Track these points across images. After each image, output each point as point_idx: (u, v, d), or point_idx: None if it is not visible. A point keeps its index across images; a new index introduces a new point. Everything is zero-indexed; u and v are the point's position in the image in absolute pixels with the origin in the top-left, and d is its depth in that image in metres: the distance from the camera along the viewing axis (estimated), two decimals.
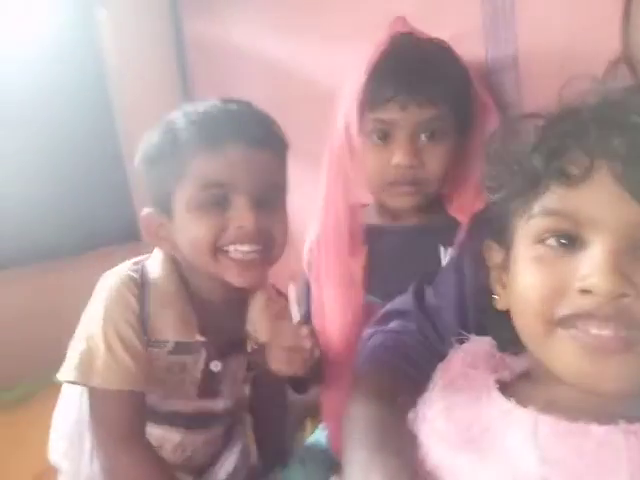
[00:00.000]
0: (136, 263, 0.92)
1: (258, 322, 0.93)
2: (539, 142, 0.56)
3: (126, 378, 0.83)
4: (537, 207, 0.55)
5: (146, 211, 0.87)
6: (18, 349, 1.62)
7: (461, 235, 0.91)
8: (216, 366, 0.92)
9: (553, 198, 0.54)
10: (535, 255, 0.55)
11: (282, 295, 0.95)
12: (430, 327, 0.77)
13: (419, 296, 0.81)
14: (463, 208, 0.95)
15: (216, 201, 0.80)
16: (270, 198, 0.83)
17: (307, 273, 1.05)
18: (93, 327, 0.84)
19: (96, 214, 1.89)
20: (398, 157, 0.90)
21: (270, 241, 0.83)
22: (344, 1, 1.34)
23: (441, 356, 0.70)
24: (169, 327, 0.87)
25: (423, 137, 0.91)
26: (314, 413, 1.16)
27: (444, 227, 0.94)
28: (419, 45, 0.94)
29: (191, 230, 0.82)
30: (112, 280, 0.87)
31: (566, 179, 0.52)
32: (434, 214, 0.99)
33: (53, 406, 1.01)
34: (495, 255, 0.63)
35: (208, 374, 0.92)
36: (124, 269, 0.89)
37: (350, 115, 0.92)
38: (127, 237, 1.81)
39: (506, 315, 0.60)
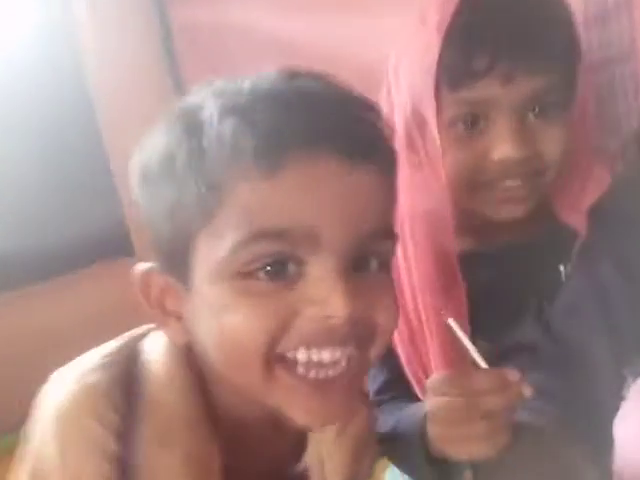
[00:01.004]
0: (119, 351, 0.50)
1: (327, 456, 0.56)
2: None
3: None
4: None
5: (142, 266, 0.48)
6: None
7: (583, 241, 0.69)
8: None
9: None
10: None
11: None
12: (568, 361, 0.65)
13: (544, 323, 0.68)
14: (573, 207, 0.71)
15: (277, 266, 0.43)
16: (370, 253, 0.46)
17: None
18: (47, 474, 0.46)
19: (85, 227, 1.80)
20: (505, 148, 0.63)
21: (369, 333, 0.46)
22: None
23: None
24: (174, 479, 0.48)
25: (531, 116, 0.65)
26: None
27: (559, 238, 0.70)
28: None
29: (226, 319, 0.43)
30: (67, 398, 0.46)
31: None
32: (542, 222, 0.72)
33: None
34: None
35: None
36: (90, 372, 0.47)
37: (422, 97, 0.65)
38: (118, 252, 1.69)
39: None
